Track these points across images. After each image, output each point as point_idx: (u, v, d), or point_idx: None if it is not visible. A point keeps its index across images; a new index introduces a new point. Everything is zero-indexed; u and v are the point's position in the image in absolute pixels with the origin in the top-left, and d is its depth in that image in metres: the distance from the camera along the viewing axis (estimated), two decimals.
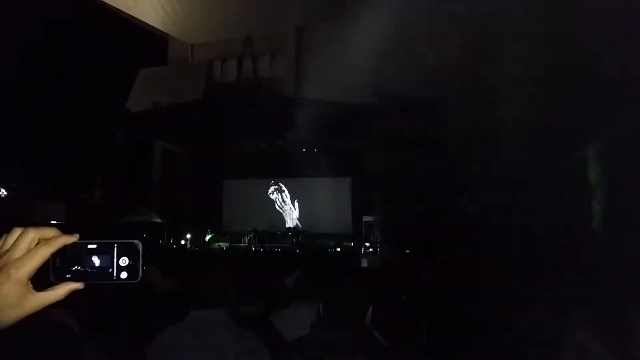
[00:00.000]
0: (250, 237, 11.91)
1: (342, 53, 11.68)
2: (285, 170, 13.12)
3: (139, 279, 0.84)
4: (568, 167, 10.05)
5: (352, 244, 11.04)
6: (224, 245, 11.58)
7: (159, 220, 11.52)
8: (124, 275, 0.84)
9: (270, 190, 13.53)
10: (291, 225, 13.07)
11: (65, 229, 0.84)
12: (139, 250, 0.84)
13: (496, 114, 9.83)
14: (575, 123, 8.87)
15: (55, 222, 9.79)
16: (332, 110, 10.92)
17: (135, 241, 0.85)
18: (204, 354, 2.02)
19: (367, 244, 9.73)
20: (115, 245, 0.84)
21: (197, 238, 12.03)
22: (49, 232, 0.82)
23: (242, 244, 11.86)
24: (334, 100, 10.78)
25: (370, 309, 1.83)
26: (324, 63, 12.31)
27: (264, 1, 12.41)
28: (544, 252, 6.80)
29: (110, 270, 0.84)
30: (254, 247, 11.54)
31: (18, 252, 0.80)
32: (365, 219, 10.58)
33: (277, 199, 13.48)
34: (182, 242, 11.76)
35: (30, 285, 0.80)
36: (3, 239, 0.82)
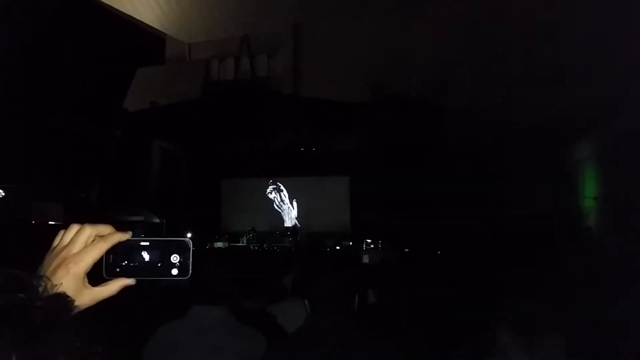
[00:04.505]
0: (249, 236, 11.89)
1: (340, 51, 11.70)
2: (284, 170, 13.12)
3: (189, 276, 0.87)
4: (565, 164, 10.09)
5: (351, 243, 11.03)
6: (222, 245, 11.54)
7: (157, 220, 11.50)
8: (174, 272, 0.86)
9: (268, 190, 13.52)
10: (290, 225, 13.06)
11: (117, 228, 0.87)
12: (189, 248, 0.87)
13: (493, 113, 9.86)
14: (571, 121, 8.90)
15: (53, 223, 9.77)
16: (330, 109, 10.93)
17: (186, 239, 0.88)
18: (205, 351, 2.02)
19: (368, 241, 9.78)
20: (167, 242, 0.87)
21: (195, 238, 11.98)
22: (105, 229, 0.85)
23: (240, 244, 11.84)
24: (332, 98, 10.78)
25: (357, 298, 1.87)
26: (322, 61, 12.33)
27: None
28: (541, 250, 6.82)
29: (161, 266, 0.86)
30: (253, 246, 11.52)
31: (76, 248, 0.82)
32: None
33: (275, 198, 13.47)
34: None
35: (87, 280, 0.83)
36: (61, 235, 0.85)
